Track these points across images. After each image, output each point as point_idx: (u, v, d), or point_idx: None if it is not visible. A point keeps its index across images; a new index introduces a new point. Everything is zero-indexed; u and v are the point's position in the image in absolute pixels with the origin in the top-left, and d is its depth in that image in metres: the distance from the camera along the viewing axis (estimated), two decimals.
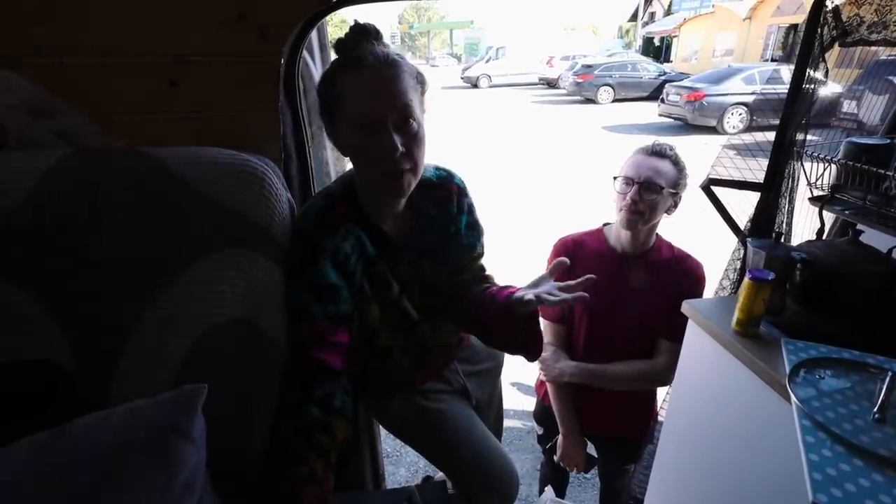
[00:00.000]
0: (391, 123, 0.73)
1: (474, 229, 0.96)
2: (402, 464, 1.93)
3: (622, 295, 1.18)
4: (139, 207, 0.72)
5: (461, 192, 0.93)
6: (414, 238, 0.88)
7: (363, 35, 0.75)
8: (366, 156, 0.77)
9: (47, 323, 0.69)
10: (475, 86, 16.97)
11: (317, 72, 1.14)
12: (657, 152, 1.13)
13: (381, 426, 1.23)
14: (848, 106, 1.67)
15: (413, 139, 0.76)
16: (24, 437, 0.61)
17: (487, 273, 1.00)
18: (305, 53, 0.99)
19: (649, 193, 1.09)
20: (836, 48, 1.11)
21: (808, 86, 1.07)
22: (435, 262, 0.90)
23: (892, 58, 1.36)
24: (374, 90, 0.73)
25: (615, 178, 1.15)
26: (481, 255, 0.99)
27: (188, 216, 0.73)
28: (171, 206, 0.73)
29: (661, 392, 1.30)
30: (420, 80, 0.79)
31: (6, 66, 0.77)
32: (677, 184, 1.13)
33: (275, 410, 0.79)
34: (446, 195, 0.90)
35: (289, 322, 0.79)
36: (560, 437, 1.28)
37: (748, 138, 1.33)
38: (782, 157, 1.13)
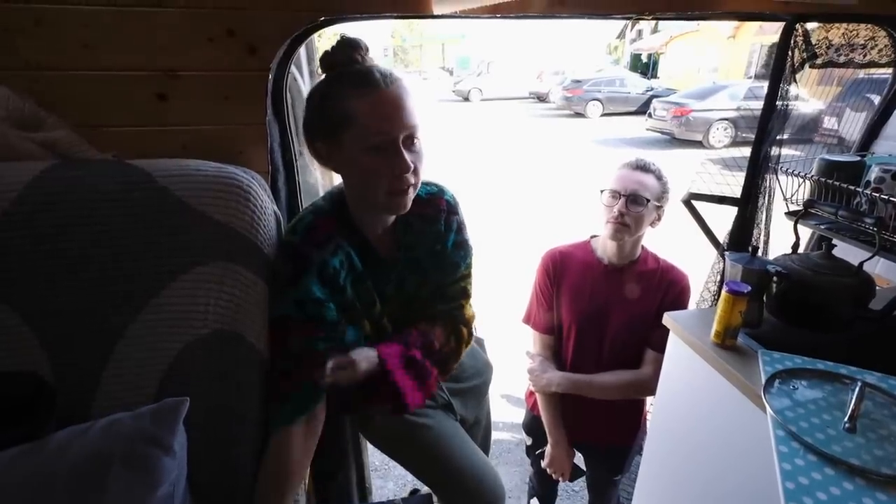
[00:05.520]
0: (401, 142, 0.75)
1: (461, 248, 0.94)
2: (391, 478, 1.90)
3: (609, 305, 1.20)
4: (124, 219, 0.72)
5: (451, 209, 0.92)
6: (401, 254, 0.89)
7: (355, 49, 0.75)
8: (375, 174, 0.76)
9: (26, 334, 0.69)
10: (467, 99, 17.12)
11: (305, 87, 1.16)
12: (641, 167, 1.16)
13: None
14: (829, 122, 1.73)
15: (418, 156, 0.78)
16: (4, 450, 0.60)
17: (462, 303, 0.96)
18: (293, 68, 1.01)
19: (635, 206, 1.12)
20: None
21: (781, 103, 1.11)
22: (419, 277, 0.91)
23: (869, 76, 1.42)
24: (388, 111, 0.74)
25: (602, 191, 1.18)
26: (465, 276, 0.96)
27: (173, 228, 0.74)
28: (156, 219, 0.73)
29: (650, 401, 1.31)
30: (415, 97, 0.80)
31: None
32: (661, 197, 1.16)
33: (257, 424, 0.79)
34: (435, 211, 0.90)
35: (270, 334, 0.80)
36: (549, 446, 1.29)
37: (736, 152, 1.36)
38: (758, 173, 1.16)
